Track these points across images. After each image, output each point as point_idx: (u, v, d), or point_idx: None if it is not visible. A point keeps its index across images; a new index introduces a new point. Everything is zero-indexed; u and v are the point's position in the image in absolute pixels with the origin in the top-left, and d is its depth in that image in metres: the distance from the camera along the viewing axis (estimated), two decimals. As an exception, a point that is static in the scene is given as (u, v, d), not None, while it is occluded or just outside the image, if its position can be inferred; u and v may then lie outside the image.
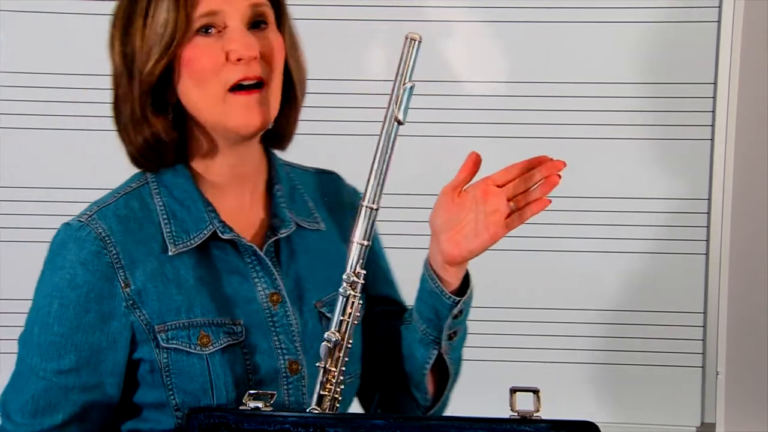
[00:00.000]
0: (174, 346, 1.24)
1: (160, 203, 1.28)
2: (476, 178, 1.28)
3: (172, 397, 1.25)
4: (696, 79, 2.28)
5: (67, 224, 1.27)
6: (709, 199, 2.31)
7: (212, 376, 1.24)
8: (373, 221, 1.21)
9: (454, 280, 1.31)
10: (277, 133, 1.35)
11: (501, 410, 1.20)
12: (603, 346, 2.35)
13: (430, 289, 1.31)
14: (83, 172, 2.27)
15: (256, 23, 1.27)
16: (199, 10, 1.23)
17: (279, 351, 1.29)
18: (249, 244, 1.29)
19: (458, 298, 1.30)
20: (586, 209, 2.31)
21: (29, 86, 2.27)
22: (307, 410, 1.19)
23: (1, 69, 2.28)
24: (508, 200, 1.26)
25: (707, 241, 2.32)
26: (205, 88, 1.24)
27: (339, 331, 1.19)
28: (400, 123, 1.20)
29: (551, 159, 1.24)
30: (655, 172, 2.31)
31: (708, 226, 2.32)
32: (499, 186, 1.26)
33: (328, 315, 1.31)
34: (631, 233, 2.32)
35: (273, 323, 1.29)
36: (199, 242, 1.27)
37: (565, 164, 1.24)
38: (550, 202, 1.24)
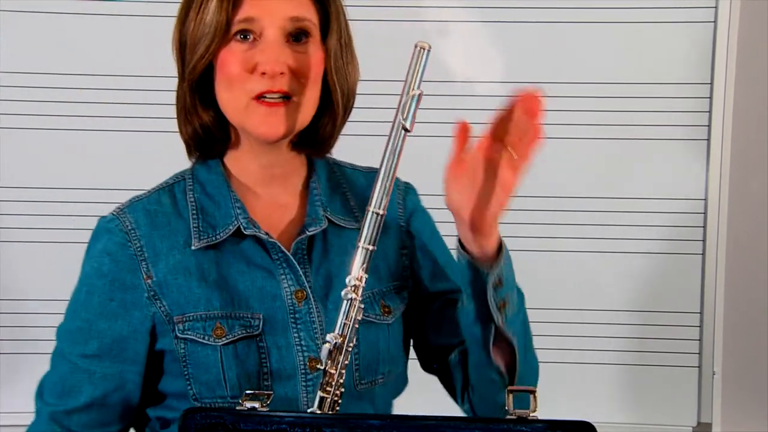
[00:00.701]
0: (189, 336, 1.27)
1: (192, 199, 1.33)
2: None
3: (189, 388, 1.28)
4: (692, 79, 2.28)
5: (102, 217, 1.33)
6: (706, 200, 2.32)
7: (224, 368, 1.26)
8: (380, 226, 1.21)
9: (488, 250, 1.26)
10: (311, 139, 1.35)
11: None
12: (599, 346, 2.35)
13: (468, 269, 1.27)
14: (83, 172, 2.27)
15: (297, 36, 1.28)
16: (238, 15, 1.25)
17: (299, 347, 1.30)
18: (273, 240, 1.31)
19: (491, 266, 1.26)
20: (583, 209, 2.31)
21: (29, 86, 2.28)
22: (308, 411, 1.19)
23: (1, 69, 2.28)
24: (507, 147, 1.22)
25: (704, 241, 2.33)
26: (232, 92, 1.27)
27: (341, 334, 1.20)
28: (407, 131, 1.20)
29: (528, 93, 1.20)
30: (652, 172, 2.32)
31: (704, 226, 2.32)
32: (494, 140, 1.23)
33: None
34: (628, 233, 2.33)
35: (295, 320, 1.30)
36: (225, 237, 1.30)
37: (539, 93, 1.20)
38: (541, 132, 1.20)
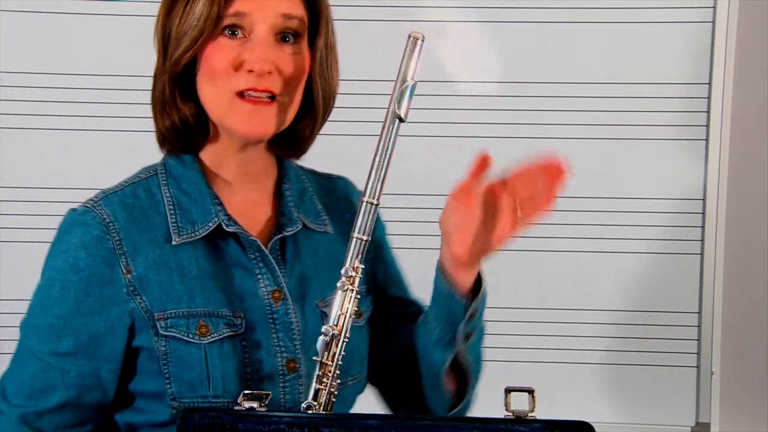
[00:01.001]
0: (172, 334, 1.24)
1: (168, 194, 1.29)
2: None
3: (168, 386, 1.24)
4: (691, 79, 2.29)
5: (73, 209, 1.28)
6: (704, 200, 2.32)
7: (209, 367, 1.24)
8: (373, 216, 1.21)
9: (466, 281, 1.29)
10: (289, 140, 1.35)
11: (496, 410, 1.21)
12: (598, 346, 2.35)
13: (443, 292, 1.30)
14: (83, 172, 2.26)
15: (285, 36, 1.27)
16: (229, 9, 1.23)
17: (277, 348, 1.29)
18: (253, 239, 1.30)
19: (470, 300, 1.29)
20: (581, 209, 2.31)
21: (29, 86, 2.28)
22: (303, 404, 1.19)
23: (1, 69, 2.28)
24: (515, 202, 1.24)
25: (702, 241, 2.33)
26: (215, 87, 1.25)
27: (336, 326, 1.20)
28: (401, 120, 1.21)
29: (557, 162, 1.22)
30: (650, 172, 2.32)
31: (703, 227, 2.32)
32: (506, 188, 1.24)
33: None
34: (626, 233, 2.33)
35: (273, 320, 1.29)
36: (204, 234, 1.28)
37: (565, 165, 1.22)
38: (553, 203, 1.22)
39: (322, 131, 1.35)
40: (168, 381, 1.24)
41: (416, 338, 1.37)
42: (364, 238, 1.21)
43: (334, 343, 1.20)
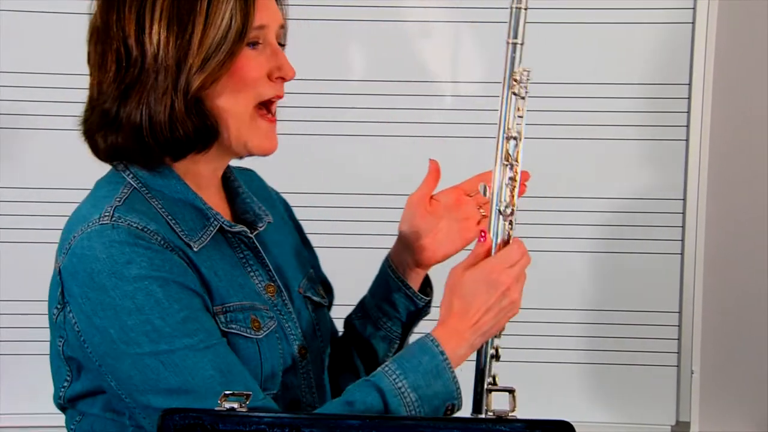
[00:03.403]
0: (234, 330, 1.23)
1: (159, 206, 1.25)
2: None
3: None
4: (671, 80, 2.30)
5: (87, 237, 1.18)
6: (684, 199, 2.33)
7: (262, 360, 1.25)
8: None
9: (418, 281, 1.42)
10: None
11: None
12: (578, 345, 2.36)
13: (400, 292, 1.41)
14: (83, 172, 2.25)
15: (280, 44, 1.29)
16: (255, 23, 1.23)
17: (292, 336, 1.32)
18: (251, 236, 1.31)
19: (428, 299, 1.42)
20: (562, 209, 2.32)
21: (29, 86, 2.26)
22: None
23: (1, 69, 2.27)
24: (478, 207, 1.38)
25: (682, 240, 2.34)
26: (238, 99, 1.24)
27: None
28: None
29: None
30: (631, 172, 2.33)
31: (683, 226, 2.34)
32: (468, 194, 1.38)
33: (314, 299, 1.39)
34: (607, 233, 2.33)
35: (279, 312, 1.31)
36: (209, 238, 1.25)
37: (529, 176, 1.31)
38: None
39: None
40: None
41: (353, 329, 1.46)
42: (519, 41, 1.32)
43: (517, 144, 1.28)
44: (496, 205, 1.26)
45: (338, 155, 2.28)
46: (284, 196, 1.51)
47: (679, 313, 2.35)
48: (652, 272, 2.33)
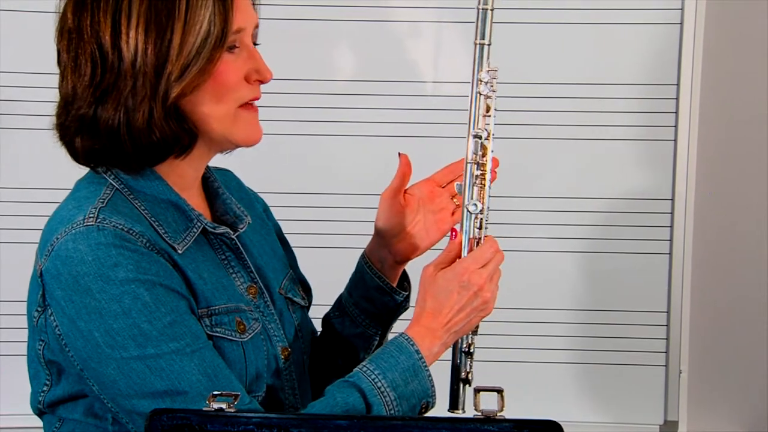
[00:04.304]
0: (218, 334, 1.21)
1: (142, 207, 1.23)
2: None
3: None
4: (659, 80, 2.30)
5: (72, 239, 1.16)
6: (673, 199, 2.34)
7: (247, 363, 1.24)
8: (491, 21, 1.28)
9: (396, 276, 1.42)
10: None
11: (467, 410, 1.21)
12: (567, 345, 2.36)
13: (378, 288, 1.40)
14: (83, 172, 2.24)
15: (255, 43, 1.28)
16: (234, 26, 1.21)
17: (276, 338, 1.31)
18: (233, 237, 1.30)
19: (407, 293, 1.42)
20: (550, 209, 2.32)
21: (29, 86, 2.25)
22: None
23: (1, 69, 2.26)
24: (452, 197, 1.38)
25: (671, 240, 2.34)
26: (220, 103, 1.22)
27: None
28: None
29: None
30: (619, 172, 2.33)
31: (671, 226, 2.34)
32: (441, 186, 1.38)
33: (295, 300, 1.38)
34: (595, 233, 2.34)
35: (262, 313, 1.30)
36: (192, 240, 1.24)
37: (498, 162, 1.31)
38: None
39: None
40: None
41: (331, 328, 1.45)
42: (486, 42, 1.28)
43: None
44: (466, 203, 1.27)
45: (321, 155, 2.27)
46: (266, 195, 1.50)
47: (668, 312, 2.36)
48: (640, 272, 2.34)
